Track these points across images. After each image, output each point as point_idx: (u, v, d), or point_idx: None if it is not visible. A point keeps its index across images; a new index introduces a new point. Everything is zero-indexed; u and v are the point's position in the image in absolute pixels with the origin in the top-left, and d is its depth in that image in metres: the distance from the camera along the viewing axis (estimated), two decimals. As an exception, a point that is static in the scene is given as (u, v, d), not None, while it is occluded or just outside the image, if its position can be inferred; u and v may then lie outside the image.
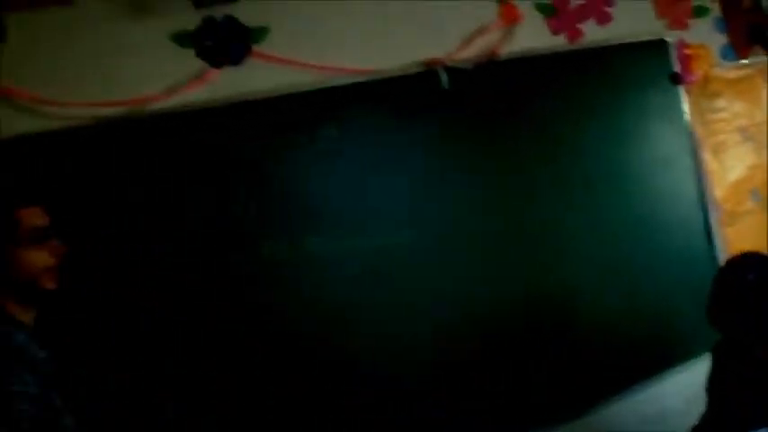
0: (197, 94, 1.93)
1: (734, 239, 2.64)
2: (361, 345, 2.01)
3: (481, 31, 2.26)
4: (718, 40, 2.78)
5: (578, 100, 2.37)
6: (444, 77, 2.15)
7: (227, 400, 1.84)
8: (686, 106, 2.58)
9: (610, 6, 2.54)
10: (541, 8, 2.40)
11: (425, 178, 2.12)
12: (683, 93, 2.57)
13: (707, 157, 2.64)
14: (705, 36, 2.73)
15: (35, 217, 1.47)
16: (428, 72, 2.15)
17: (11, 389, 1.31)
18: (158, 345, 1.80)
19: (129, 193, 1.83)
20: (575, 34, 2.46)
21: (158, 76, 1.91)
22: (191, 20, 1.95)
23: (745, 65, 2.83)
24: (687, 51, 2.65)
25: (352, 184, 2.03)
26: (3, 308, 1.41)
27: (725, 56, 2.78)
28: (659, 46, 2.57)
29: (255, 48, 2.00)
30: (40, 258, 1.45)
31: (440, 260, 2.11)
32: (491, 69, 2.23)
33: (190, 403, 1.81)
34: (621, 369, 2.35)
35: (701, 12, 2.73)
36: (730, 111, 2.76)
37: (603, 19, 2.52)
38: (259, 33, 2.00)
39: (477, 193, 2.18)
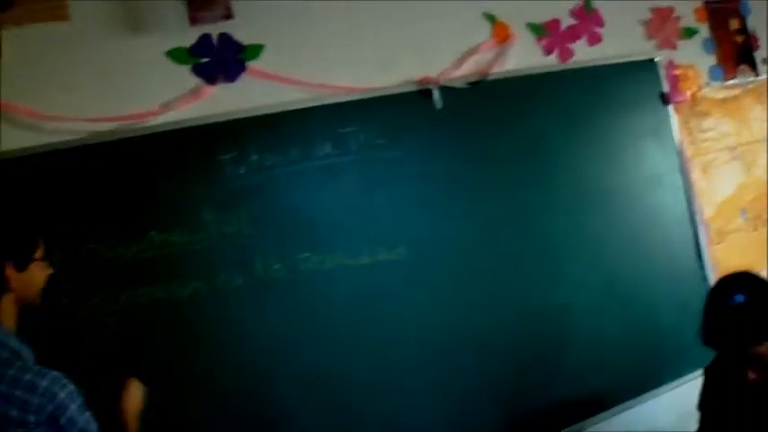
0: (192, 110, 1.94)
1: (723, 258, 2.65)
2: (355, 362, 2.01)
3: (474, 50, 2.29)
4: (707, 60, 2.82)
5: (569, 119, 2.40)
6: (437, 96, 2.17)
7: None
8: (675, 125, 2.60)
9: (600, 27, 2.57)
10: (533, 28, 2.43)
11: (418, 196, 2.13)
12: (672, 112, 2.60)
13: (696, 176, 2.66)
14: (694, 56, 2.76)
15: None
16: (421, 90, 2.17)
17: None
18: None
19: (121, 207, 1.83)
20: (566, 54, 2.49)
21: (154, 91, 1.92)
22: (186, 36, 1.96)
23: (733, 85, 2.87)
24: (676, 72, 2.68)
25: (346, 201, 2.04)
26: None
27: (713, 76, 2.82)
28: (649, 66, 2.60)
29: (250, 64, 2.01)
30: (41, 277, 1.49)
31: (433, 278, 2.12)
32: (484, 88, 2.26)
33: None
34: (614, 386, 2.35)
35: (689, 32, 2.77)
36: (719, 130, 2.79)
37: (594, 39, 2.55)
38: (254, 50, 2.02)
39: (470, 211, 2.19)
